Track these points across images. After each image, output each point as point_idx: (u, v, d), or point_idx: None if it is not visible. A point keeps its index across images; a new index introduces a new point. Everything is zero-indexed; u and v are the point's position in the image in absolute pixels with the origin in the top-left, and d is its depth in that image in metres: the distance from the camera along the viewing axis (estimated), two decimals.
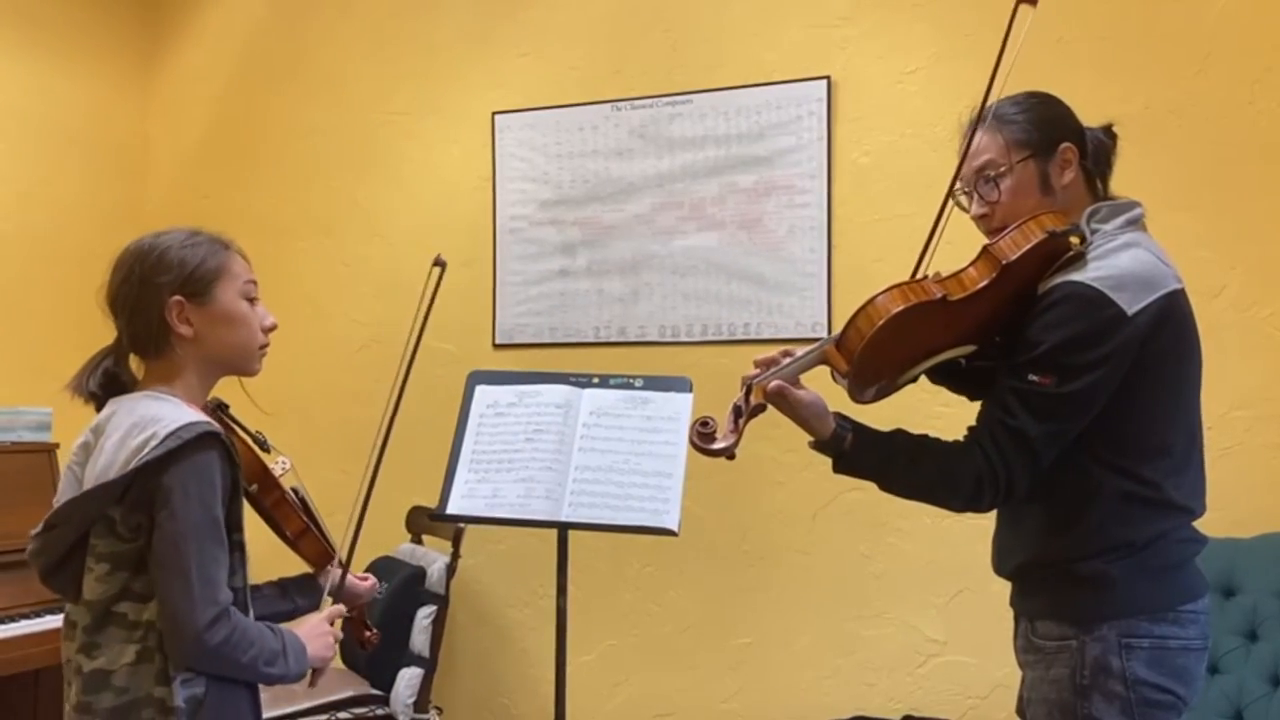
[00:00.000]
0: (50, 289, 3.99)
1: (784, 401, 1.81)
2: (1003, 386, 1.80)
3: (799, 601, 3.42)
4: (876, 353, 1.79)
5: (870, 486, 3.23)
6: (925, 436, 1.88)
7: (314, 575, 2.03)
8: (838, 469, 1.87)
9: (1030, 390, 1.75)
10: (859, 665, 3.35)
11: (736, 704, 3.49)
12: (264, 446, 1.93)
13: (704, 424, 1.83)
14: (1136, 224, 1.86)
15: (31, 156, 4.05)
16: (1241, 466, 2.93)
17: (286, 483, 1.96)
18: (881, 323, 1.76)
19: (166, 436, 1.62)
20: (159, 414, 1.67)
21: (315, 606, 1.98)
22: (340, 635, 1.88)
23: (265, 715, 1.83)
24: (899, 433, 1.88)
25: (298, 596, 2.00)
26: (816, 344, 1.86)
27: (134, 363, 1.79)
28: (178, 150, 4.43)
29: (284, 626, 1.79)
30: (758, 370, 1.85)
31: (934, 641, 3.27)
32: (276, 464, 1.95)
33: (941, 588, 3.24)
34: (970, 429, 1.85)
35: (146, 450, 1.61)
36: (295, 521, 1.96)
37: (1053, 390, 1.74)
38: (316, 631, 1.84)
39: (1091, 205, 1.87)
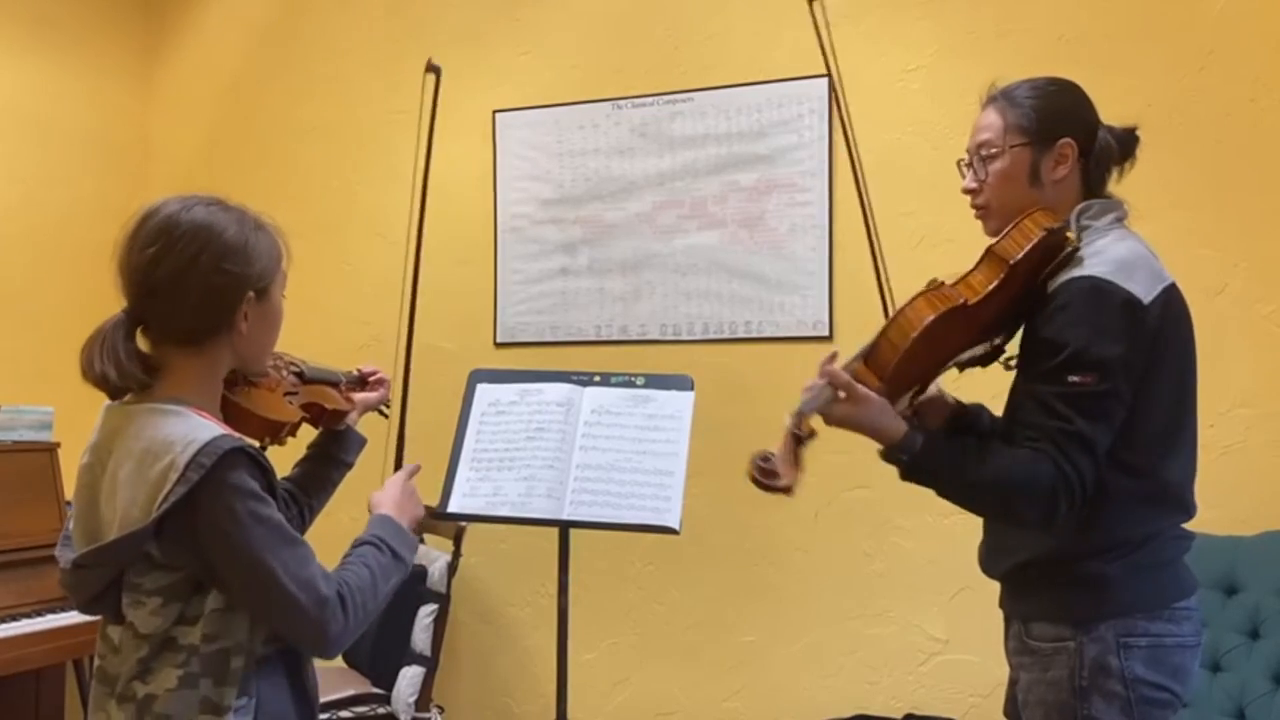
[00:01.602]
0: (52, 288, 3.99)
1: (850, 411, 1.79)
2: (1041, 393, 1.75)
3: (801, 600, 3.42)
4: (911, 363, 1.79)
5: (872, 485, 3.23)
6: (991, 442, 1.82)
7: (340, 431, 1.97)
8: (908, 473, 1.82)
9: (1075, 392, 1.71)
10: (861, 664, 3.35)
11: (738, 702, 3.49)
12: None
13: (764, 460, 1.83)
14: (1122, 223, 1.87)
15: (34, 156, 4.05)
16: (1243, 465, 2.92)
17: (283, 388, 1.84)
18: (916, 333, 1.76)
19: (187, 466, 1.48)
20: (169, 435, 1.52)
21: (361, 447, 2.00)
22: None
23: None
24: (967, 436, 1.86)
25: (342, 454, 1.98)
26: (844, 363, 1.85)
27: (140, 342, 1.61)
28: (179, 149, 4.42)
29: (372, 519, 1.75)
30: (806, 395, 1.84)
31: (936, 640, 3.26)
32: (270, 381, 1.82)
33: (943, 586, 3.24)
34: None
35: (169, 486, 1.48)
36: (314, 411, 1.91)
37: (1096, 388, 1.71)
38: (401, 498, 1.82)
39: (1082, 203, 1.86)
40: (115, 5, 4.36)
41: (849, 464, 3.40)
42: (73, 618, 3.14)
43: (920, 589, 3.27)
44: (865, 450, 3.48)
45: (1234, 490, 2.86)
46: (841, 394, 1.81)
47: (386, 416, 2.21)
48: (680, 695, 3.57)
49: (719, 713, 3.51)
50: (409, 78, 4.03)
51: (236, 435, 1.57)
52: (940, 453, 1.81)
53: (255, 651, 1.58)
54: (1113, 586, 1.76)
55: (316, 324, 4.04)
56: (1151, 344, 1.74)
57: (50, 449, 3.46)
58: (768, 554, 3.47)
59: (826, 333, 3.38)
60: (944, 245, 3.25)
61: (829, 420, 1.83)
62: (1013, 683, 1.95)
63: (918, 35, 3.33)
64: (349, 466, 2.00)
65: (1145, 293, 1.74)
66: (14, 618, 3.13)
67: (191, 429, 1.54)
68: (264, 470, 1.57)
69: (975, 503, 1.85)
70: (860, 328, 3.29)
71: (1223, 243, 2.97)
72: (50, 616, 3.15)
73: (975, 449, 1.81)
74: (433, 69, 2.01)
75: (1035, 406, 1.76)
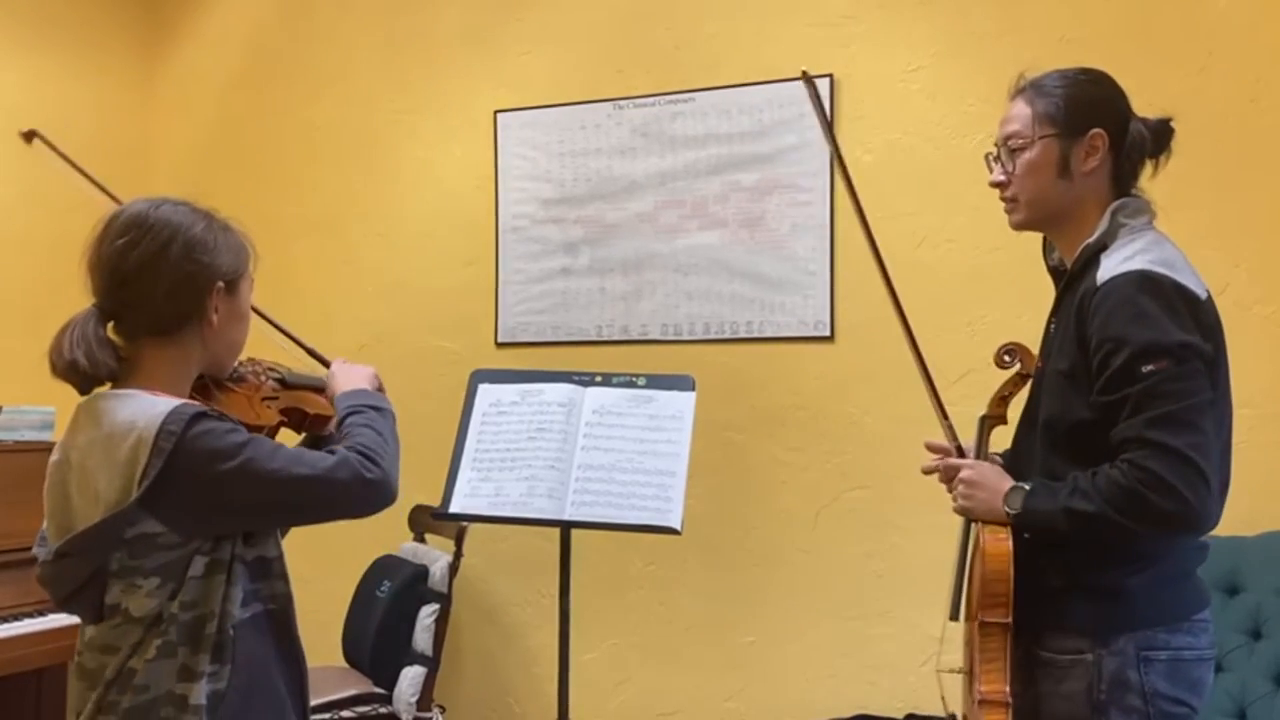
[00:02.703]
0: (52, 288, 3.98)
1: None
2: (1123, 395, 1.67)
3: (802, 600, 3.42)
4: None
5: (872, 485, 3.22)
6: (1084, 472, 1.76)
7: (324, 437, 1.96)
8: (1022, 517, 1.79)
9: (1153, 379, 1.65)
10: (861, 664, 3.35)
11: (739, 703, 3.49)
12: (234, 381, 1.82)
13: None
14: (1153, 224, 1.85)
15: (34, 156, 4.04)
16: (1244, 465, 2.89)
17: (261, 392, 1.86)
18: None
19: (158, 437, 1.52)
20: (130, 414, 1.56)
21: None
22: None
23: None
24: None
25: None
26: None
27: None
28: (180, 149, 4.42)
29: (336, 401, 1.82)
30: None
31: (936, 640, 3.26)
32: (248, 385, 1.84)
33: (943, 586, 3.24)
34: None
35: (145, 460, 1.51)
36: (296, 416, 1.91)
37: (1174, 369, 1.65)
38: (345, 372, 1.91)
39: (1116, 199, 1.83)
40: (116, 6, 4.36)
41: (849, 464, 3.42)
42: (73, 617, 3.14)
43: (920, 589, 3.26)
44: (865, 450, 3.49)
45: (1234, 490, 2.82)
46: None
47: None
48: (681, 695, 3.57)
49: (720, 713, 3.51)
50: (411, 77, 4.05)
51: (196, 403, 1.60)
52: (1043, 492, 1.75)
53: (232, 616, 1.60)
54: (1135, 598, 1.72)
55: (317, 324, 4.04)
56: (1207, 339, 1.70)
57: (51, 449, 3.46)
58: (769, 554, 3.47)
59: (828, 333, 3.38)
60: (945, 246, 3.25)
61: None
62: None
63: (918, 35, 3.33)
64: None
65: (1199, 290, 1.71)
66: (15, 618, 3.13)
67: (149, 404, 1.58)
68: (225, 421, 1.60)
69: (1091, 521, 1.70)
70: (861, 328, 3.30)
71: (1223, 243, 2.96)
72: (51, 616, 3.14)
73: (1065, 481, 1.74)
74: None
75: (1121, 414, 1.68)
